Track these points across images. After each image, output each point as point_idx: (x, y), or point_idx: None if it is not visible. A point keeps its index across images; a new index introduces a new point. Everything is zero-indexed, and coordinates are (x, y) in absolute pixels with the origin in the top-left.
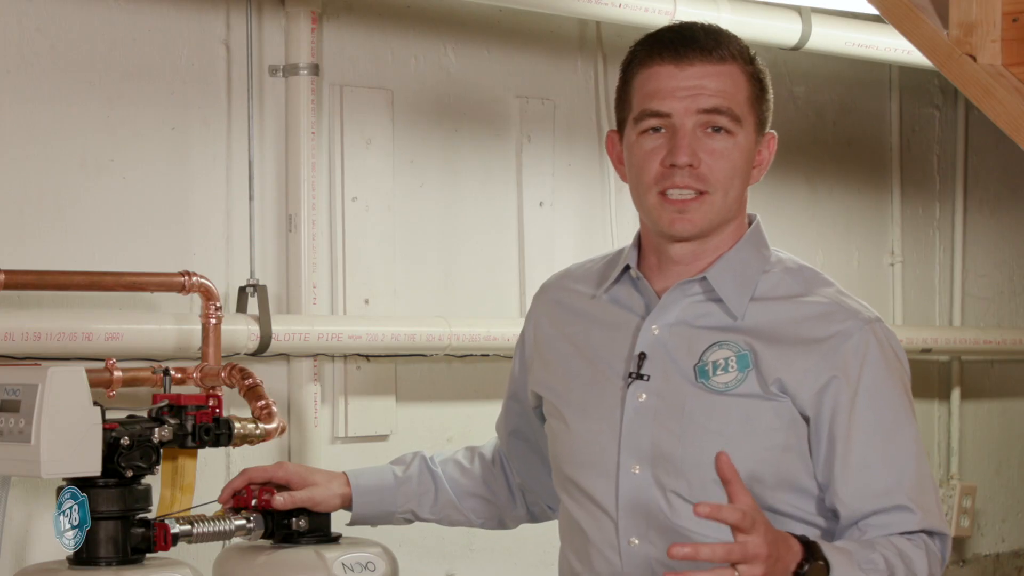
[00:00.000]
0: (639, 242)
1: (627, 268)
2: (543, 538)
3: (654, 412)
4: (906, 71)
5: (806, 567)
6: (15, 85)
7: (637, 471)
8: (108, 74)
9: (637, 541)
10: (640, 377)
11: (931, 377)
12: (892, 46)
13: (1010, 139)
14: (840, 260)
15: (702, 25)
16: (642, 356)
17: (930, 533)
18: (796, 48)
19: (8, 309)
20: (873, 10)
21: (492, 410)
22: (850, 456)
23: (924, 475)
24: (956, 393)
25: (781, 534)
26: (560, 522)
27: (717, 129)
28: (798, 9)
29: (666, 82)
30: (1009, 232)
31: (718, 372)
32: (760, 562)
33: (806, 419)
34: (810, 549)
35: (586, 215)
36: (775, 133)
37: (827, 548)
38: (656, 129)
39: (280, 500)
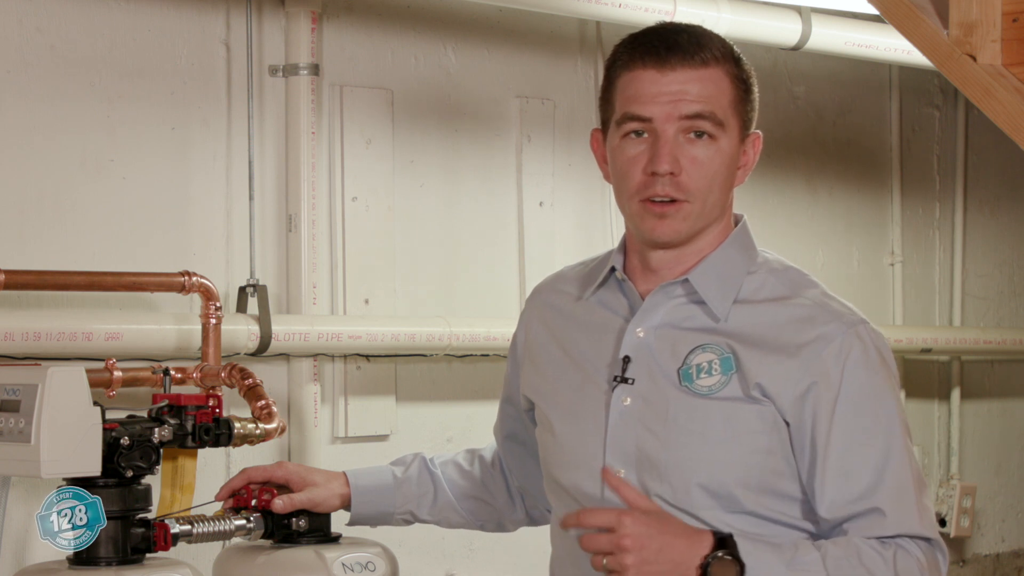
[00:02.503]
0: (625, 245)
1: (613, 270)
2: (543, 539)
3: (638, 416)
4: (906, 71)
5: (711, 562)
6: (15, 85)
7: (622, 475)
8: (108, 74)
9: None
10: (625, 380)
11: (931, 377)
12: (892, 46)
13: (1010, 139)
14: (840, 260)
15: (685, 27)
16: (626, 359)
17: (914, 539)
18: (796, 48)
19: (8, 309)
20: (873, 10)
21: (492, 410)
22: (829, 462)
23: (904, 479)
24: (956, 393)
25: (681, 530)
26: (551, 528)
27: (700, 134)
28: (798, 9)
29: (648, 87)
30: (1009, 232)
31: (702, 375)
32: (626, 552)
33: (787, 424)
34: (724, 544)
35: (586, 215)
36: (760, 133)
37: (748, 545)
38: (638, 133)
39: (280, 504)
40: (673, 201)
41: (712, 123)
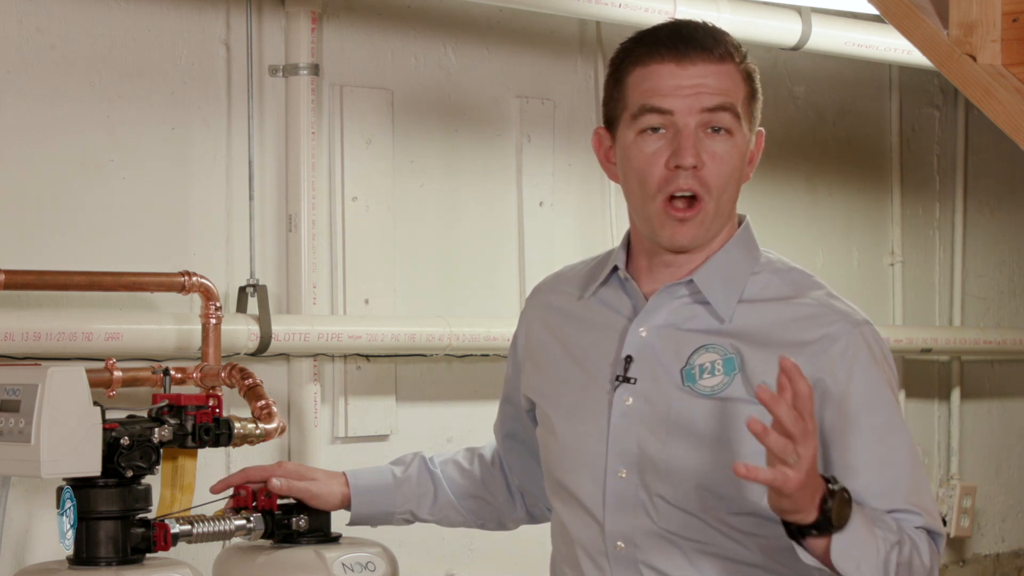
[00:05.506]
0: (628, 243)
1: (615, 269)
2: (543, 538)
3: (640, 416)
4: (906, 71)
5: (835, 490)
6: (15, 85)
7: (623, 475)
8: (108, 74)
9: (623, 545)
10: (627, 380)
11: (931, 377)
12: (892, 46)
13: (1010, 139)
14: (840, 260)
15: (699, 23)
16: (629, 359)
17: (928, 532)
18: (796, 48)
19: (8, 309)
20: (873, 10)
21: (492, 410)
22: (844, 460)
23: (920, 476)
24: (956, 393)
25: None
26: (552, 527)
27: (717, 129)
28: (798, 9)
29: (667, 80)
30: (1009, 232)
31: (704, 375)
32: (804, 459)
33: None
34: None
35: (586, 215)
36: (763, 130)
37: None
38: (655, 129)
39: (277, 483)
40: (693, 201)
41: (731, 116)
